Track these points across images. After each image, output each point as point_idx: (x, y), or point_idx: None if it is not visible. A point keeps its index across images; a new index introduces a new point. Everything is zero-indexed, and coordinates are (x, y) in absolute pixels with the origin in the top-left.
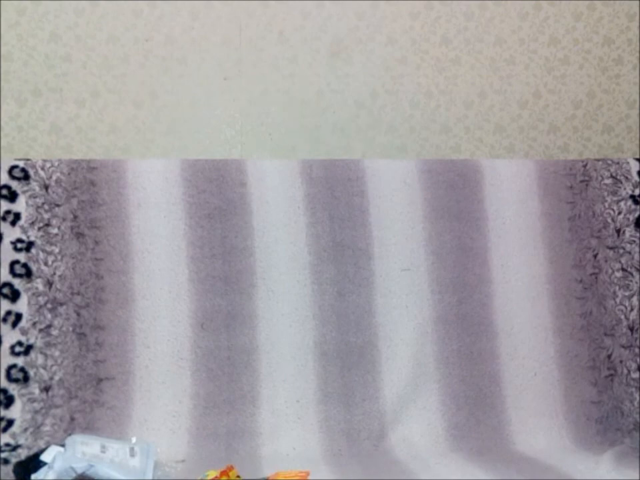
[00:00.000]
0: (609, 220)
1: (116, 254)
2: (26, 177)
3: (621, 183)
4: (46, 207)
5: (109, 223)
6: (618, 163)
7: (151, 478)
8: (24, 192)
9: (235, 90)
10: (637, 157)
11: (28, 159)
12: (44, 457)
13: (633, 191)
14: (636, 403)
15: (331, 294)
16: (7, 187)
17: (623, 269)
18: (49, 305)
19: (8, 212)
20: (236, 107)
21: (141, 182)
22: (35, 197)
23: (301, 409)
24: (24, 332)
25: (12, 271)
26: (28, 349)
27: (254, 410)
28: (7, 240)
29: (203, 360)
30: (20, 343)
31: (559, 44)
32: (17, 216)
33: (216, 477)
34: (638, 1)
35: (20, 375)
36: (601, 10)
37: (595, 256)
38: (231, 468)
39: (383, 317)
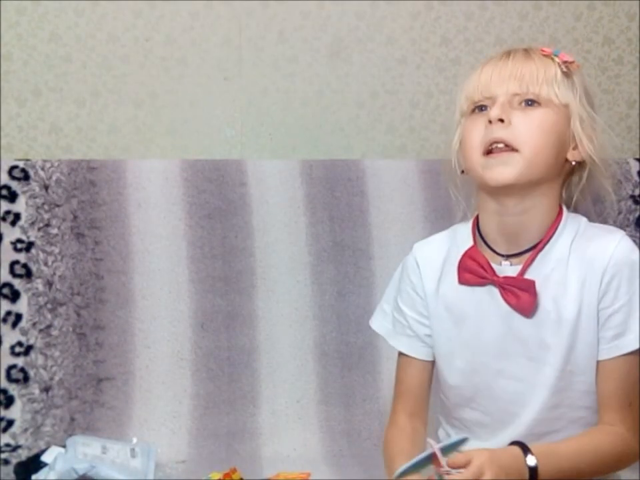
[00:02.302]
0: (609, 220)
1: (116, 254)
2: (26, 177)
3: (621, 183)
4: (46, 207)
5: (108, 223)
6: (618, 163)
7: (152, 479)
8: (24, 192)
9: (235, 90)
10: (637, 156)
11: (28, 159)
12: (45, 458)
13: (633, 191)
14: None
15: (331, 294)
16: (7, 187)
17: None
18: (49, 305)
19: (8, 212)
20: (236, 107)
21: (141, 182)
22: (35, 197)
23: (301, 410)
24: (24, 332)
25: (12, 271)
26: (28, 349)
27: (254, 410)
28: (6, 240)
29: (203, 360)
30: (20, 343)
31: (559, 44)
32: (17, 216)
33: (220, 479)
34: (638, 1)
35: (20, 375)
36: (601, 10)
37: None
38: (234, 470)
39: None
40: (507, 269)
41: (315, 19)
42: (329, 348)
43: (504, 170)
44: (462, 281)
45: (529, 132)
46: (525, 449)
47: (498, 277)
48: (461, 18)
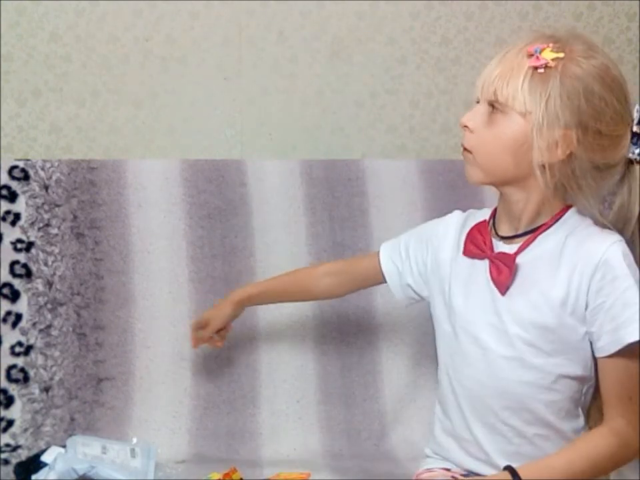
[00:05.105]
0: None
1: (116, 254)
2: (26, 177)
3: None
4: (46, 207)
5: (108, 223)
6: None
7: (152, 479)
8: (24, 192)
9: (235, 90)
10: None
11: (28, 159)
12: (44, 458)
13: None
14: None
15: None
16: (7, 187)
17: None
18: (49, 305)
19: (8, 212)
20: (236, 107)
21: (141, 182)
22: (35, 197)
23: (301, 410)
24: (24, 332)
25: (12, 271)
26: (28, 349)
27: (254, 410)
28: (6, 240)
29: (203, 360)
30: (20, 343)
31: None
32: (17, 216)
33: (219, 479)
34: (638, 1)
35: (20, 375)
36: (601, 10)
37: None
38: (234, 470)
39: (382, 317)
40: (505, 248)
41: (315, 19)
42: (328, 348)
43: (469, 169)
44: (466, 253)
45: (484, 139)
46: (514, 474)
47: (493, 251)
48: (461, 18)
